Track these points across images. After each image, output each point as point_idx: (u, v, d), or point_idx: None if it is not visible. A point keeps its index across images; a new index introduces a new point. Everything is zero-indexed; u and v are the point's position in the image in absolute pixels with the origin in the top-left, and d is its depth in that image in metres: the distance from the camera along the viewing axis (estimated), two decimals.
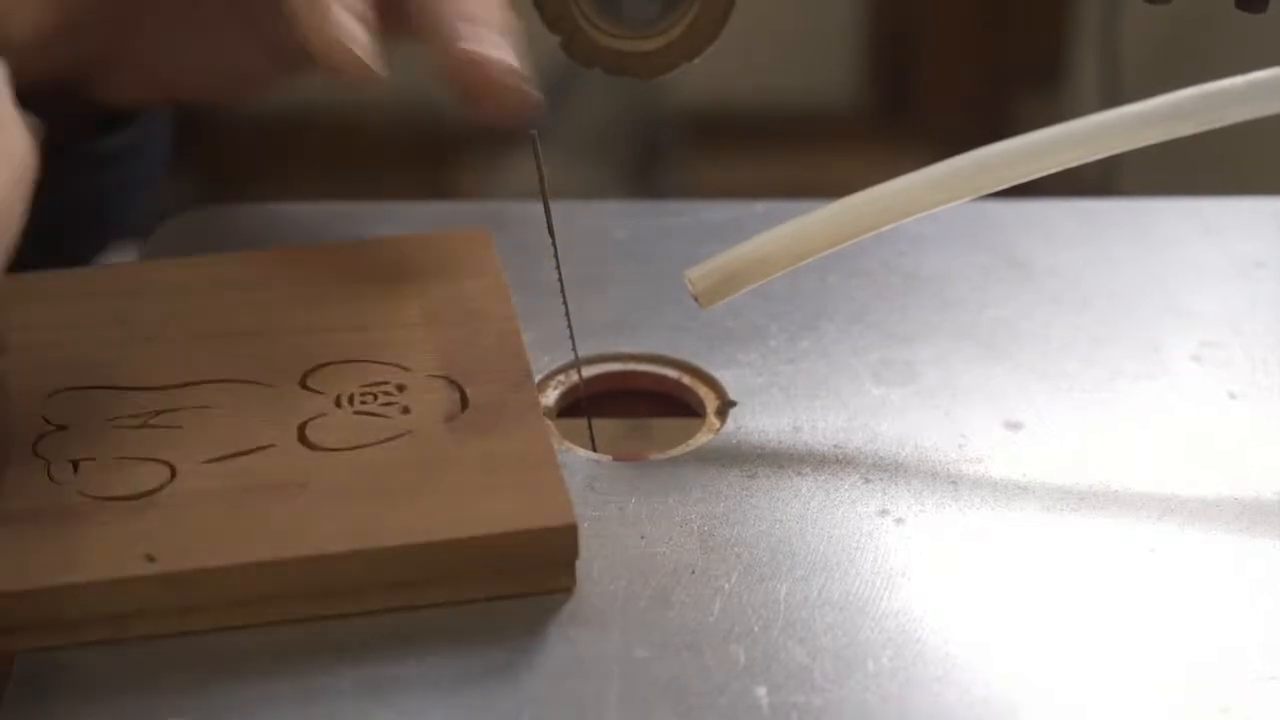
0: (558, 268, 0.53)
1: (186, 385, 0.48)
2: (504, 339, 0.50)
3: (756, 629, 0.43)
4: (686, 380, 0.54)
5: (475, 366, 0.49)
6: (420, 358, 0.49)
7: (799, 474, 0.49)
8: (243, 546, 0.42)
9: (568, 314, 0.52)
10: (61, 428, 0.46)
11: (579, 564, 0.44)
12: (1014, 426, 0.51)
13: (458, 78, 0.48)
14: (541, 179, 0.52)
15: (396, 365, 0.49)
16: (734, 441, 0.51)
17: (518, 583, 0.43)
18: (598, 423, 0.52)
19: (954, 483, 0.49)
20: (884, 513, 0.47)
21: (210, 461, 0.45)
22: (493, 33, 0.48)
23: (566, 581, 0.44)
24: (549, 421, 0.51)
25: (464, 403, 0.47)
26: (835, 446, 0.50)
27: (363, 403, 0.47)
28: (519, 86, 0.48)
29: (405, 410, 0.47)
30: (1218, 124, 0.48)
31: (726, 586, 0.44)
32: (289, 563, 0.41)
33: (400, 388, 0.48)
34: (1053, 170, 0.48)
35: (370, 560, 0.42)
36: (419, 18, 0.49)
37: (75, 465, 0.44)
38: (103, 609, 0.41)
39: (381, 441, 0.46)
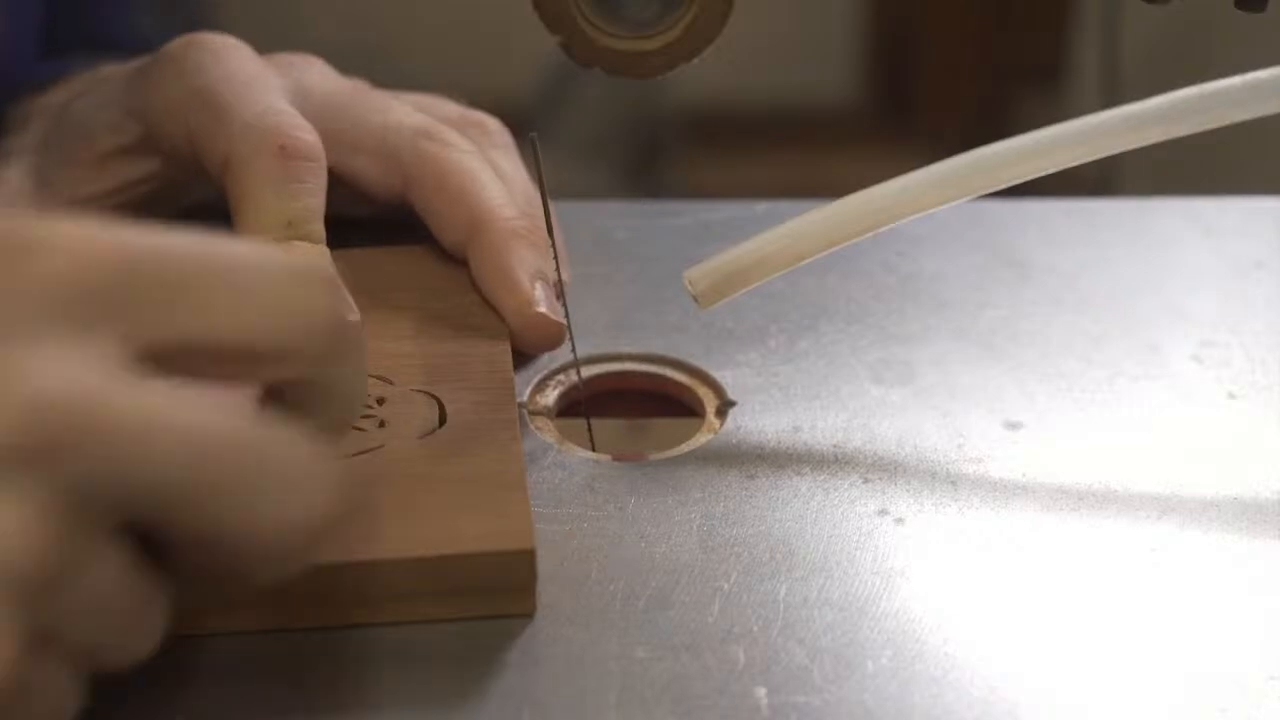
0: (557, 269, 0.53)
1: None
2: (493, 356, 0.50)
3: (756, 629, 0.43)
4: (686, 380, 0.54)
5: (459, 383, 0.48)
6: (406, 372, 0.49)
7: (798, 474, 0.49)
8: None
9: (567, 314, 0.52)
10: None
11: (578, 563, 0.44)
12: (1013, 426, 0.51)
13: (526, 330, 0.52)
14: (541, 183, 0.52)
15: (381, 378, 0.48)
16: (733, 442, 0.51)
17: (476, 605, 0.42)
18: (597, 423, 0.52)
19: (953, 483, 0.49)
20: (883, 513, 0.47)
21: None
22: (552, 293, 0.53)
23: (525, 607, 0.43)
24: (550, 422, 0.51)
25: (442, 419, 0.47)
26: (834, 446, 0.50)
27: None
28: (564, 334, 0.53)
29: (381, 424, 0.47)
30: (1216, 124, 0.48)
31: (726, 587, 0.44)
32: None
33: (380, 401, 0.47)
34: (1051, 170, 0.48)
35: (322, 575, 0.41)
36: (494, 278, 0.53)
37: None
38: None
39: (353, 455, 0.45)
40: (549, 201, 0.52)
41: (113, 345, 0.34)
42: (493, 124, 0.58)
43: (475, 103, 0.59)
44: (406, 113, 0.56)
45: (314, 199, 0.51)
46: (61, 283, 0.34)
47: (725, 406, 0.52)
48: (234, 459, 0.35)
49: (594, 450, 0.51)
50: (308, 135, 0.52)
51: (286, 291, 0.36)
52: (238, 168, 0.51)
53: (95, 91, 0.57)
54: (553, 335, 0.52)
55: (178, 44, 0.54)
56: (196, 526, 0.35)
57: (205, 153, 0.52)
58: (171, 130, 0.53)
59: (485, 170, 0.54)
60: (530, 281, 0.52)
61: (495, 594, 0.42)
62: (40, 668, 0.34)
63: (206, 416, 0.35)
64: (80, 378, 0.33)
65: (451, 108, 0.58)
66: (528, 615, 0.43)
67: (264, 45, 0.56)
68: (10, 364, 0.33)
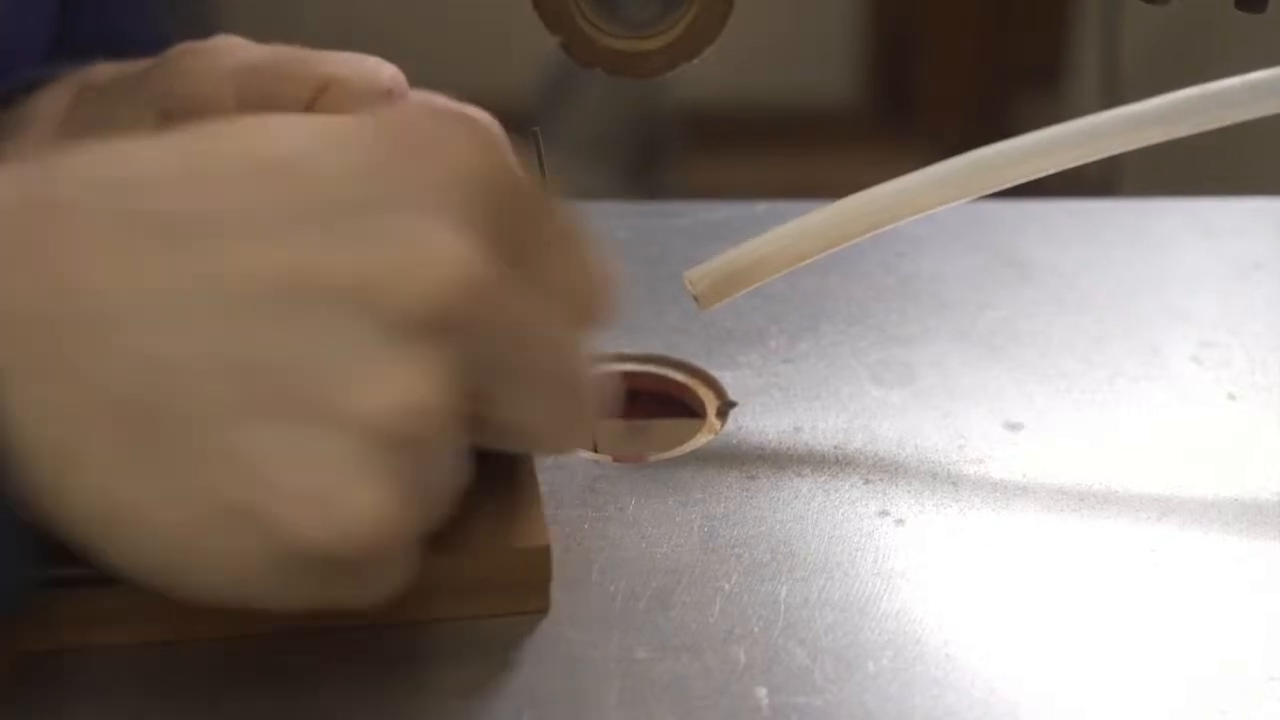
0: None
1: None
2: None
3: (757, 630, 0.43)
4: (686, 381, 0.54)
5: None
6: None
7: (799, 475, 0.49)
8: None
9: None
10: None
11: (579, 564, 0.44)
12: (1014, 427, 0.51)
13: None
14: (544, 177, 0.52)
15: None
16: (734, 442, 0.51)
17: (492, 603, 0.43)
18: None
19: (954, 483, 0.49)
20: (884, 513, 0.47)
21: None
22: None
23: (540, 603, 0.43)
24: None
25: None
26: (835, 447, 0.50)
27: None
28: None
29: None
30: (1216, 124, 0.48)
31: (727, 587, 0.44)
32: None
33: None
34: (1052, 170, 0.48)
35: None
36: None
37: None
38: (69, 615, 0.41)
39: None
40: None
41: (495, 242, 0.37)
42: (484, 119, 0.58)
43: (475, 103, 0.59)
44: None
45: None
46: (467, 175, 0.37)
47: (726, 407, 0.52)
48: (574, 368, 0.39)
49: (595, 451, 0.51)
50: (404, 81, 0.52)
51: (600, 268, 0.40)
52: (337, 96, 0.51)
53: (98, 100, 0.56)
54: None
55: (192, 43, 0.54)
56: (508, 418, 0.38)
57: (279, 107, 0.51)
58: (212, 111, 0.52)
59: None
60: None
61: (511, 592, 0.43)
62: (408, 526, 0.35)
63: (566, 329, 0.39)
64: (489, 260, 0.36)
65: (441, 103, 0.58)
66: (542, 612, 0.43)
67: (262, 43, 0.56)
68: (434, 234, 0.35)
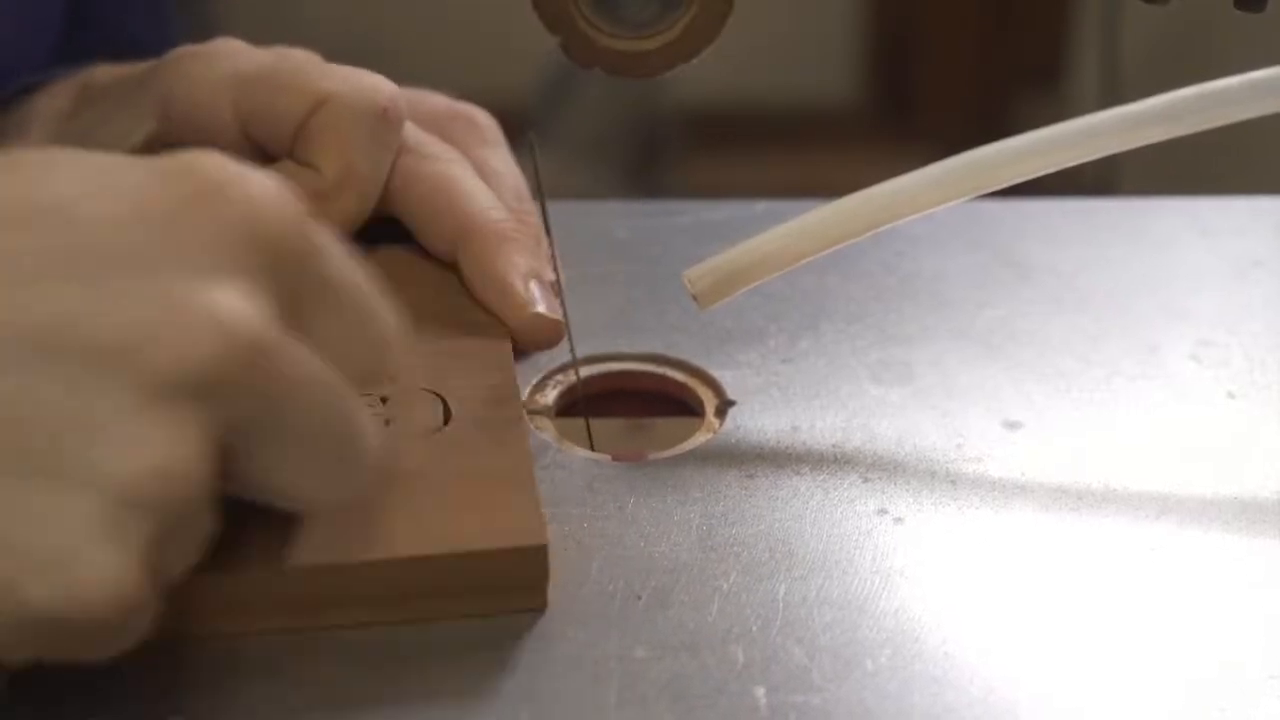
0: (555, 268, 0.53)
1: None
2: (495, 353, 0.50)
3: (755, 629, 0.43)
4: (685, 380, 0.54)
5: (462, 380, 0.48)
6: (408, 370, 0.49)
7: (798, 473, 0.49)
8: (211, 557, 0.41)
9: (566, 314, 0.52)
10: None
11: (577, 562, 0.44)
12: (1012, 426, 0.51)
13: (525, 331, 0.52)
14: (539, 185, 0.52)
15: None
16: (733, 441, 0.51)
17: (489, 602, 0.42)
18: (597, 423, 0.52)
19: (953, 482, 0.49)
20: (882, 512, 0.48)
21: None
22: (549, 290, 0.53)
23: (538, 602, 0.43)
24: (549, 422, 0.52)
25: (446, 417, 0.47)
26: (834, 446, 0.50)
27: None
28: (563, 331, 0.53)
29: (386, 423, 0.47)
30: (1216, 124, 0.48)
31: (725, 586, 0.44)
32: (257, 577, 0.41)
33: (383, 399, 0.48)
34: (1050, 170, 0.48)
35: (336, 576, 0.41)
36: (487, 284, 0.53)
37: None
38: None
39: None
40: (545, 202, 0.52)
41: (272, 298, 0.36)
42: (482, 118, 0.58)
43: (475, 103, 0.59)
44: None
45: (387, 166, 0.53)
46: (241, 229, 0.36)
47: (725, 406, 0.52)
48: (346, 428, 0.37)
49: (593, 450, 0.51)
50: (401, 102, 0.52)
51: (384, 324, 0.40)
52: (333, 113, 0.51)
53: (99, 103, 0.56)
54: (552, 333, 0.52)
55: (193, 46, 0.54)
56: (270, 478, 0.37)
57: (275, 119, 0.52)
58: (208, 118, 0.53)
59: (467, 177, 0.54)
60: (524, 283, 0.52)
61: (508, 590, 0.43)
62: (148, 591, 0.35)
63: (341, 387, 0.37)
64: (259, 320, 0.35)
65: (440, 100, 0.58)
66: (539, 610, 0.43)
67: (263, 44, 0.56)
68: (200, 295, 0.35)
